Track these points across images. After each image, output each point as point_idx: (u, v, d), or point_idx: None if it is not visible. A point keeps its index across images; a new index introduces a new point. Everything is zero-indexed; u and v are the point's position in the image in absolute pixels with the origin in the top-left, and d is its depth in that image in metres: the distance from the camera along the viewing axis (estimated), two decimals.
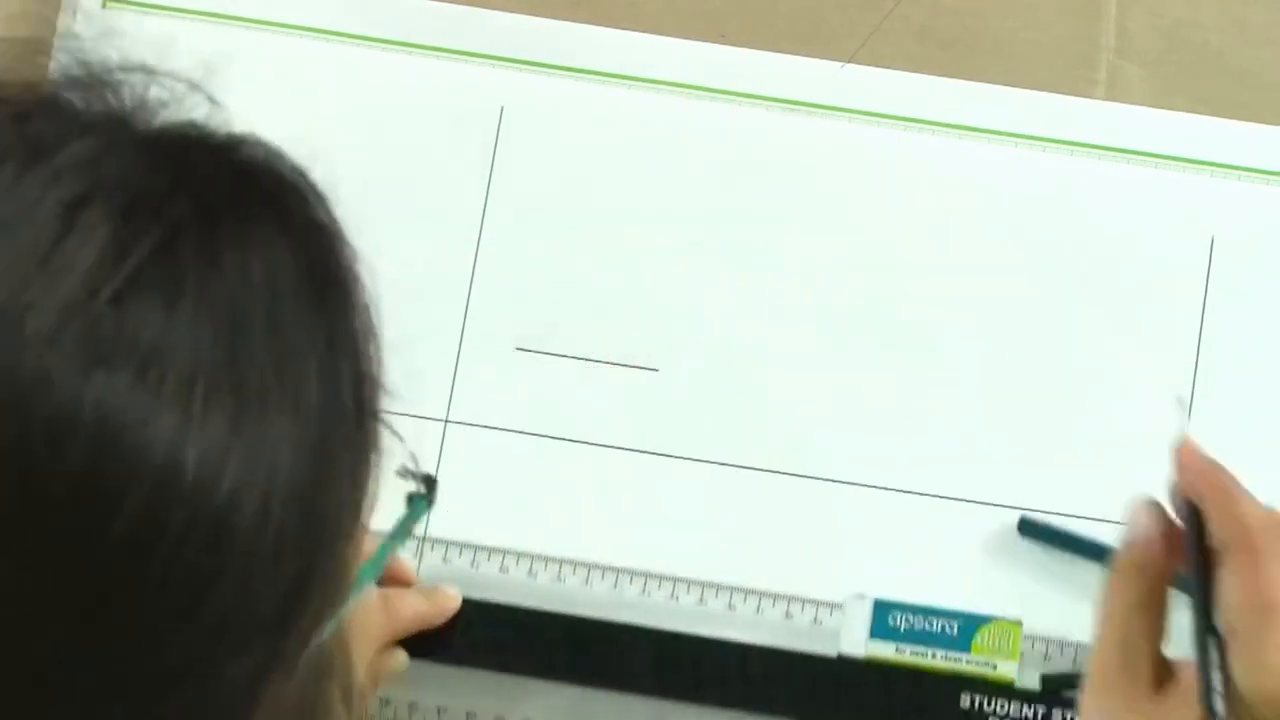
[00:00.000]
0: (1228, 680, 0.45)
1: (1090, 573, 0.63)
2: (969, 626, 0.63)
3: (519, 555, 0.64)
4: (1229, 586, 0.46)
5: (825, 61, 0.67)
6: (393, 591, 0.61)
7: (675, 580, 0.64)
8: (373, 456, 0.42)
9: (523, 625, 0.63)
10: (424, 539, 0.64)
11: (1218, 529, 0.47)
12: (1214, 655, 0.45)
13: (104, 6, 0.68)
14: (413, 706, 0.63)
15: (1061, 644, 0.63)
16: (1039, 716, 0.62)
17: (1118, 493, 0.65)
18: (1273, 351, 0.66)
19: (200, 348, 0.35)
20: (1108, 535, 0.65)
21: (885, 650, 0.63)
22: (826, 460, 0.65)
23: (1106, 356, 0.66)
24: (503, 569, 0.64)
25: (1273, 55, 0.68)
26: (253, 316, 0.37)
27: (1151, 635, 0.47)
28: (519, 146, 0.67)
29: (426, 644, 0.62)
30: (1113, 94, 0.67)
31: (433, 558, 0.64)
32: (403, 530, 0.48)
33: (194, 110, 0.43)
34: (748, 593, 0.64)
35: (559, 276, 0.66)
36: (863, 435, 0.65)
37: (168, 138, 0.40)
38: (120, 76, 0.42)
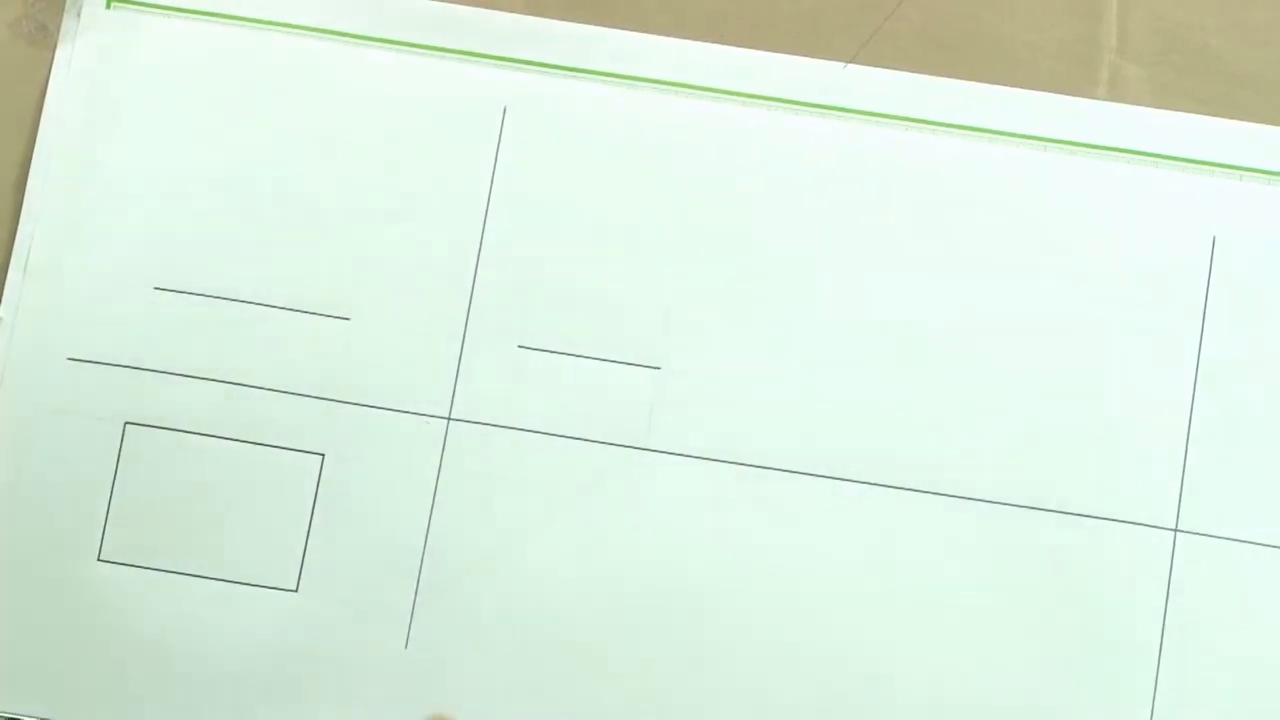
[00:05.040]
0: None
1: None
2: None
3: None
4: None
5: (827, 62, 0.68)
6: None
7: None
8: None
9: None
10: None
11: None
12: None
13: (108, 7, 0.68)
14: None
15: None
16: None
17: (1119, 492, 0.65)
18: (1274, 352, 0.66)
19: None
20: (1109, 533, 0.65)
21: None
22: (830, 458, 0.65)
23: (1107, 357, 0.66)
24: None
25: (1273, 56, 0.68)
26: None
27: None
28: (522, 146, 0.67)
29: None
30: (1114, 94, 0.68)
31: None
32: None
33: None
34: None
35: (561, 274, 0.66)
36: (864, 433, 0.65)
37: None
38: None
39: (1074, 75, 0.68)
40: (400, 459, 0.65)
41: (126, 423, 0.65)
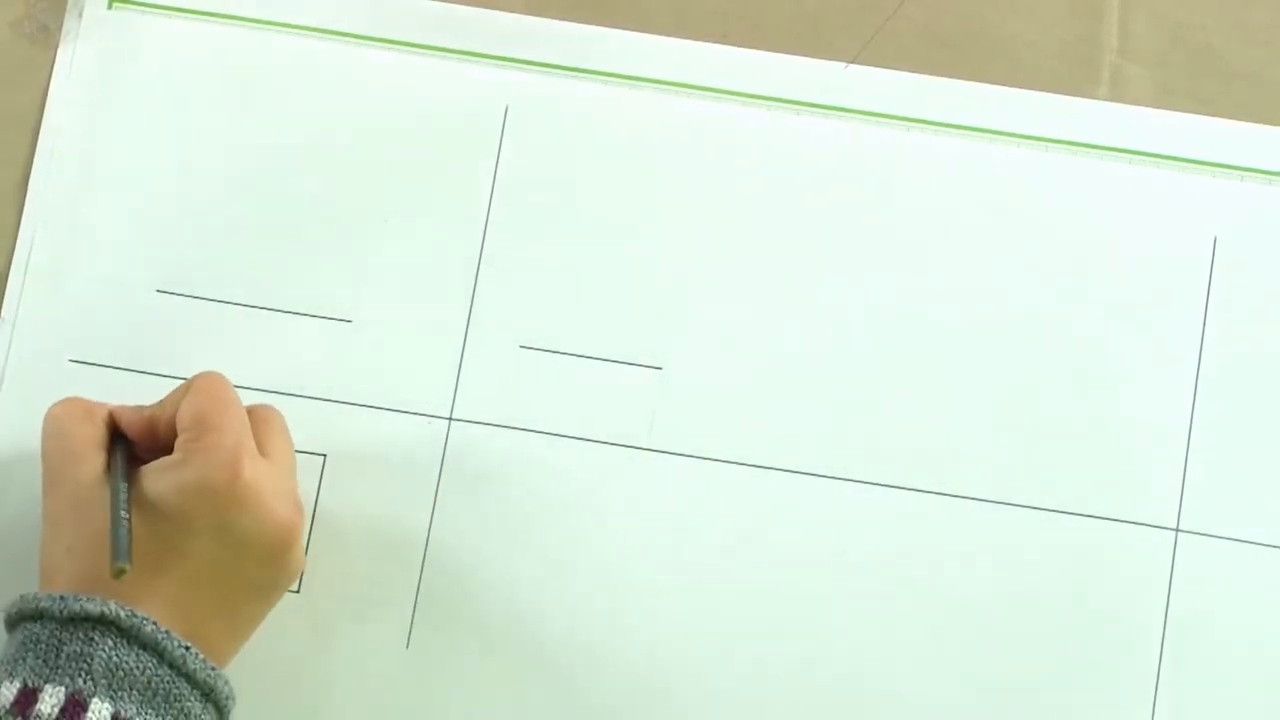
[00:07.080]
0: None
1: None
2: None
3: None
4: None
5: (829, 62, 0.68)
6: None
7: None
8: None
9: None
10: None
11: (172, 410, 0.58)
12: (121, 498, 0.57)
13: (110, 7, 0.68)
14: None
15: None
16: None
17: (1120, 492, 0.65)
18: (1276, 351, 0.66)
19: None
20: (1111, 533, 0.65)
21: None
22: (831, 457, 0.65)
23: (1109, 356, 0.66)
24: None
25: (1274, 56, 0.68)
26: None
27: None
28: (523, 146, 0.67)
29: None
30: (1115, 94, 0.68)
31: None
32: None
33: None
34: None
35: (563, 275, 0.66)
36: (865, 433, 0.65)
37: None
38: None
39: (1075, 75, 0.68)
40: (402, 459, 0.65)
41: None
